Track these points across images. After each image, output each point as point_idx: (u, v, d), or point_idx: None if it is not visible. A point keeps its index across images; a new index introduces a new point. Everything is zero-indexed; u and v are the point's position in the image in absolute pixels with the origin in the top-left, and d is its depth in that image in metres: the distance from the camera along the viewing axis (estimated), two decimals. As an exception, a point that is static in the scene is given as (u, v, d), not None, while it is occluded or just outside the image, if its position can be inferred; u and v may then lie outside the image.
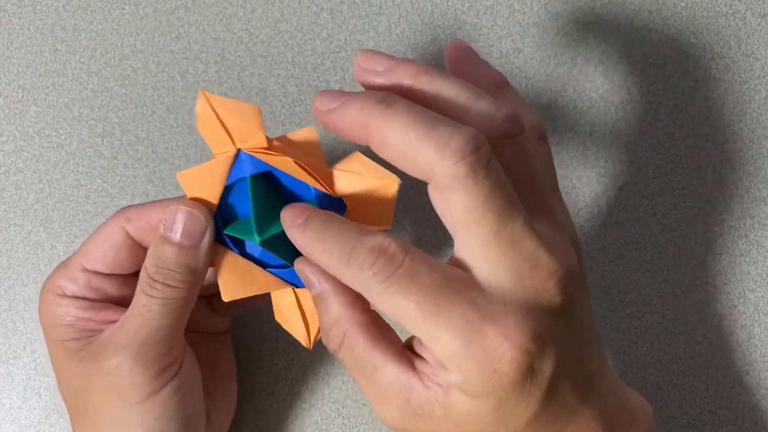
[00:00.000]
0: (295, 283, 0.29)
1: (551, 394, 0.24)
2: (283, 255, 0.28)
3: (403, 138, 0.23)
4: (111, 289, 0.30)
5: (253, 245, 0.28)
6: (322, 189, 0.27)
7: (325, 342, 0.26)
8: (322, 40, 0.38)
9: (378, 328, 0.25)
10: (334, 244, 0.24)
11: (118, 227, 0.29)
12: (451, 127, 0.23)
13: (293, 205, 0.27)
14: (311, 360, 0.37)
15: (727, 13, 0.38)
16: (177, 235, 0.27)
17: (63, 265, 0.30)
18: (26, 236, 0.38)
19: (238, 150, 0.28)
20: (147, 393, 0.28)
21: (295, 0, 0.38)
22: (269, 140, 0.27)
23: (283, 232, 0.27)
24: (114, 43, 0.38)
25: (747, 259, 0.37)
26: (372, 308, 0.26)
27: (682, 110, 0.38)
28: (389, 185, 0.27)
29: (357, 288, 0.24)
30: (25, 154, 0.38)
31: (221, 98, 0.27)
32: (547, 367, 0.23)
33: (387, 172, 0.27)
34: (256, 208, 0.27)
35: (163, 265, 0.27)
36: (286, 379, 0.37)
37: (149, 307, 0.27)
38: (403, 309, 0.23)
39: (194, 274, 0.28)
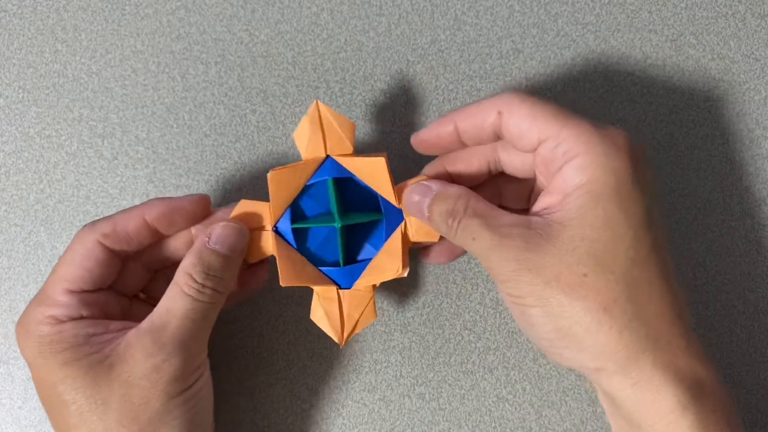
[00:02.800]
0: (339, 283, 0.33)
1: (653, 200, 0.29)
2: (342, 249, 0.33)
3: (466, 112, 0.31)
4: (102, 302, 0.32)
5: (313, 242, 0.33)
6: (390, 198, 0.33)
7: (448, 222, 0.30)
8: (322, 40, 0.38)
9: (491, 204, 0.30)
10: (465, 107, 0.32)
11: (95, 243, 0.31)
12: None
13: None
14: (311, 360, 0.37)
15: (727, 13, 0.38)
16: (225, 249, 0.31)
17: (38, 301, 0.30)
18: (27, 236, 0.38)
19: (327, 156, 0.33)
20: (186, 386, 0.30)
21: (295, 1, 0.38)
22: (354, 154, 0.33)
23: (348, 229, 0.33)
24: (114, 43, 0.38)
25: (747, 259, 0.37)
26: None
27: (682, 110, 0.38)
28: None
29: (499, 104, 0.30)
30: (26, 155, 0.38)
31: (329, 108, 0.32)
32: (648, 170, 0.29)
33: None
34: (336, 202, 0.32)
35: (212, 273, 0.30)
36: (286, 379, 0.37)
37: (196, 309, 0.30)
38: (544, 108, 0.29)
39: (234, 279, 0.32)
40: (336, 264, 0.34)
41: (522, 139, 0.30)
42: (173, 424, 0.30)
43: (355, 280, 0.33)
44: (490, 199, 0.31)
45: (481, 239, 0.29)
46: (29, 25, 0.38)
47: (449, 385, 0.37)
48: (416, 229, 0.33)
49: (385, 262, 0.33)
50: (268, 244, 0.33)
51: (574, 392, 0.37)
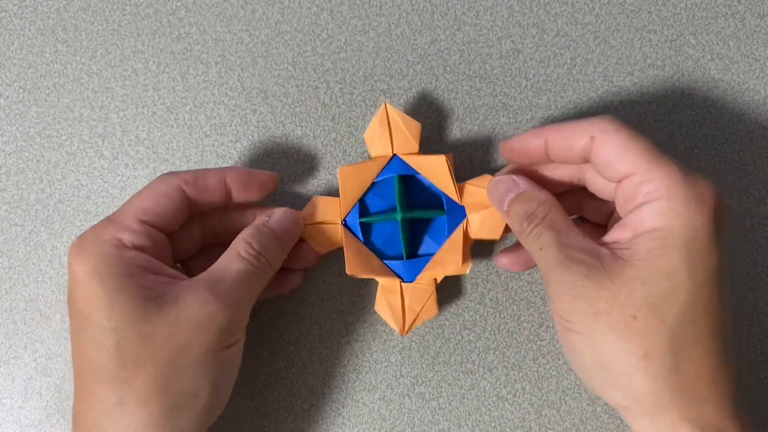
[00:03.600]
0: (402, 276, 0.35)
1: (725, 258, 0.28)
2: (405, 242, 0.35)
3: (557, 132, 0.32)
4: (162, 245, 0.32)
5: (378, 238, 0.36)
6: (452, 195, 0.35)
7: (524, 224, 0.31)
8: (322, 41, 0.38)
9: (573, 221, 0.31)
10: (561, 124, 0.32)
11: (176, 187, 0.32)
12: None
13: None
14: (311, 360, 0.37)
15: (727, 13, 0.38)
16: (280, 230, 0.33)
17: (106, 223, 0.31)
18: (27, 236, 0.38)
19: (394, 155, 0.35)
20: (229, 344, 0.31)
21: (295, 1, 0.38)
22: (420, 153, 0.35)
23: (412, 225, 0.35)
24: (115, 43, 0.38)
25: (747, 259, 0.37)
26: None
27: (682, 110, 0.38)
28: None
29: (592, 129, 0.30)
30: (26, 155, 0.38)
31: (397, 110, 0.35)
32: (728, 227, 0.28)
33: None
34: (399, 196, 0.34)
35: (268, 247, 0.32)
36: (286, 379, 0.37)
37: (250, 273, 0.31)
38: (637, 143, 0.29)
39: (281, 260, 0.33)
40: (399, 257, 0.35)
41: (609, 169, 0.30)
42: (203, 378, 0.30)
43: (417, 274, 0.35)
44: (569, 210, 0.32)
45: (548, 253, 0.29)
46: (30, 25, 0.38)
47: (449, 384, 0.37)
48: (478, 226, 0.34)
49: (447, 257, 0.35)
50: (337, 236, 0.35)
51: (573, 392, 0.37)
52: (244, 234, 0.32)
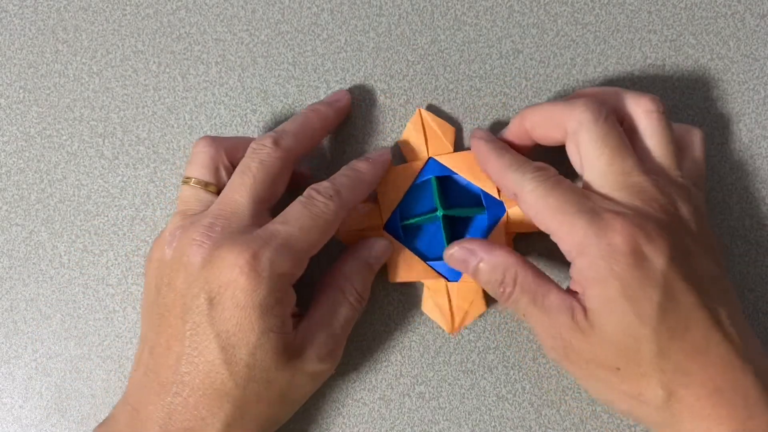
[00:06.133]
0: (447, 276, 0.35)
1: (669, 288, 0.28)
2: (447, 241, 0.35)
3: (543, 113, 0.32)
4: None
5: (420, 240, 0.36)
6: (490, 190, 0.35)
7: (498, 291, 0.31)
8: (322, 41, 0.38)
9: (539, 271, 0.31)
10: (508, 158, 0.32)
11: (337, 222, 0.32)
12: (575, 100, 0.31)
13: (481, 129, 0.35)
14: (311, 360, 0.37)
15: (727, 13, 0.38)
16: (378, 266, 0.35)
17: (289, 248, 0.30)
18: (27, 236, 0.38)
19: (430, 158, 0.36)
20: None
21: (295, 1, 0.38)
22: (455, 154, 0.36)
23: (452, 224, 0.36)
24: (115, 43, 0.38)
25: (747, 259, 0.37)
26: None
27: (682, 110, 0.38)
28: None
29: (512, 186, 0.31)
30: (27, 155, 0.38)
31: (431, 115, 0.36)
32: (657, 258, 0.28)
33: None
34: (439, 195, 0.35)
35: (369, 285, 0.35)
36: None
37: (354, 316, 0.33)
38: (546, 201, 0.29)
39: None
40: (442, 259, 0.35)
41: (537, 224, 0.31)
42: (293, 411, 0.33)
43: (461, 273, 0.35)
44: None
45: (531, 316, 0.31)
46: (30, 25, 0.38)
47: (449, 384, 0.37)
48: (519, 219, 0.35)
49: None
50: None
51: (573, 392, 0.37)
52: (349, 274, 0.33)
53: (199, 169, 0.33)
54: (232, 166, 0.33)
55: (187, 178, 0.33)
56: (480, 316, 0.36)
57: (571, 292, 0.30)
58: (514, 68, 0.38)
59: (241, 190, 0.31)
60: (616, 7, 0.38)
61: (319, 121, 0.34)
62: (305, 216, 0.30)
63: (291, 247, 0.30)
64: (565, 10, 0.38)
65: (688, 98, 0.38)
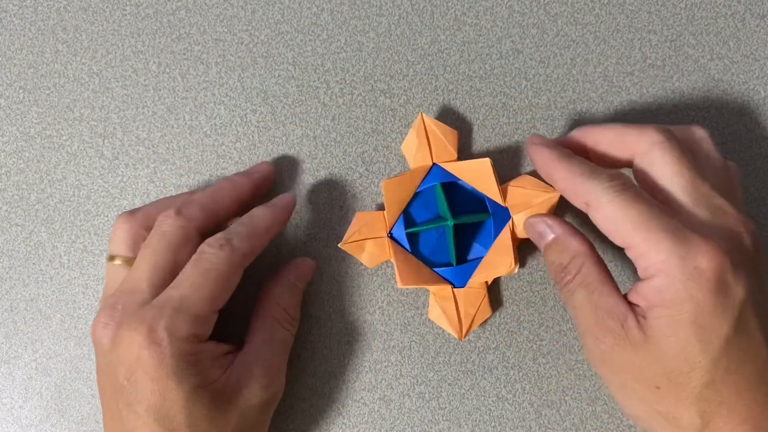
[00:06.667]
0: (453, 282, 0.36)
1: (741, 321, 0.27)
2: (454, 248, 0.35)
3: (611, 133, 0.32)
4: None
5: (425, 246, 0.36)
6: (496, 198, 0.35)
7: (559, 275, 0.31)
8: (322, 41, 0.38)
9: (607, 269, 0.31)
10: (578, 164, 0.31)
11: (239, 270, 0.31)
12: (646, 125, 0.31)
13: (539, 135, 0.34)
14: (311, 360, 0.37)
15: (727, 13, 0.38)
16: (305, 286, 0.36)
17: (177, 311, 0.29)
18: (27, 236, 0.38)
19: (434, 164, 0.36)
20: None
21: (295, 1, 0.38)
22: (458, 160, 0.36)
23: (458, 230, 0.35)
24: (115, 43, 0.38)
25: (747, 259, 0.37)
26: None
27: (682, 110, 0.38)
28: (553, 196, 0.34)
29: (586, 194, 0.30)
30: (27, 155, 0.38)
31: (434, 120, 0.35)
32: (738, 288, 0.27)
33: (549, 187, 0.34)
34: (445, 204, 0.35)
35: (298, 307, 0.35)
36: (287, 379, 0.37)
37: (290, 339, 0.34)
38: (626, 214, 0.28)
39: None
40: (448, 265, 0.36)
41: (610, 236, 0.29)
42: None
43: (467, 278, 0.36)
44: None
45: (581, 314, 0.30)
46: (30, 25, 0.38)
47: (449, 384, 0.37)
48: (524, 226, 0.35)
49: (497, 259, 0.35)
50: (385, 249, 0.36)
51: (573, 392, 0.37)
52: (279, 298, 0.34)
53: (117, 245, 0.33)
54: None
55: (110, 257, 0.33)
56: (486, 321, 0.36)
57: (629, 302, 0.29)
58: (514, 68, 0.38)
59: (140, 265, 0.31)
60: (616, 7, 0.38)
61: (231, 192, 0.34)
62: (196, 273, 0.30)
63: (186, 309, 0.29)
64: (565, 10, 0.38)
65: (688, 98, 0.38)
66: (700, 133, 0.33)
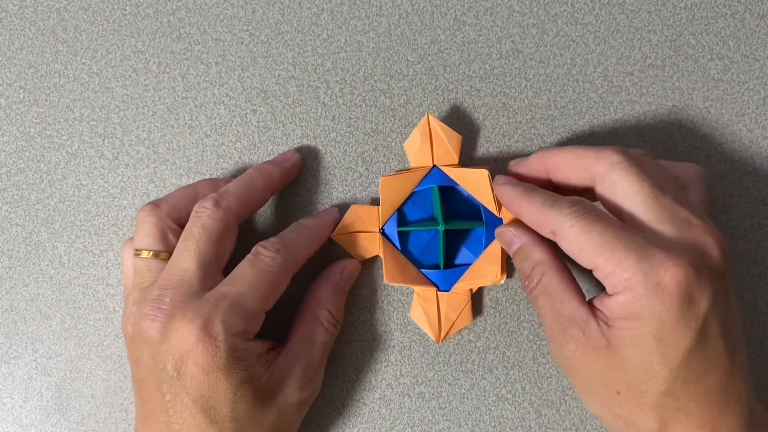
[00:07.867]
0: (438, 285, 0.36)
1: (703, 333, 0.28)
2: (442, 252, 0.35)
3: (570, 156, 0.32)
4: None
5: (415, 246, 0.36)
6: (491, 208, 0.35)
7: (524, 283, 0.32)
8: (322, 41, 0.38)
9: (569, 276, 0.31)
10: (540, 196, 0.31)
11: (290, 275, 0.33)
12: (601, 147, 0.31)
13: (503, 176, 0.34)
14: (311, 360, 0.37)
15: (727, 13, 0.38)
16: (349, 287, 0.37)
17: (232, 309, 0.30)
18: (28, 236, 0.38)
19: (434, 166, 0.36)
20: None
21: (295, 1, 0.38)
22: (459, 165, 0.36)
23: (449, 235, 0.36)
24: (115, 43, 0.38)
25: (747, 259, 0.37)
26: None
27: (682, 110, 0.38)
28: None
29: (550, 224, 0.30)
30: (27, 155, 0.38)
31: (439, 122, 0.35)
32: (703, 300, 0.27)
33: None
34: (439, 207, 0.35)
35: (342, 308, 0.36)
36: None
37: (331, 341, 0.35)
38: (588, 237, 0.28)
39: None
40: (436, 267, 0.36)
41: (578, 260, 0.30)
42: None
43: (453, 283, 0.36)
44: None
45: (545, 318, 0.31)
46: (30, 25, 0.38)
47: (449, 384, 0.37)
48: (496, 235, 0.35)
49: (484, 268, 0.35)
50: (375, 244, 0.36)
51: (573, 392, 0.37)
52: (324, 299, 0.35)
53: (146, 239, 0.33)
54: (179, 226, 0.34)
55: (137, 250, 0.33)
56: (466, 327, 0.37)
57: (592, 307, 0.30)
58: (514, 68, 0.38)
59: (185, 256, 0.31)
60: (616, 7, 0.38)
61: (263, 181, 0.35)
62: (252, 273, 0.31)
63: (241, 306, 0.30)
64: (565, 10, 0.38)
65: (688, 98, 0.38)
66: (639, 150, 0.33)
